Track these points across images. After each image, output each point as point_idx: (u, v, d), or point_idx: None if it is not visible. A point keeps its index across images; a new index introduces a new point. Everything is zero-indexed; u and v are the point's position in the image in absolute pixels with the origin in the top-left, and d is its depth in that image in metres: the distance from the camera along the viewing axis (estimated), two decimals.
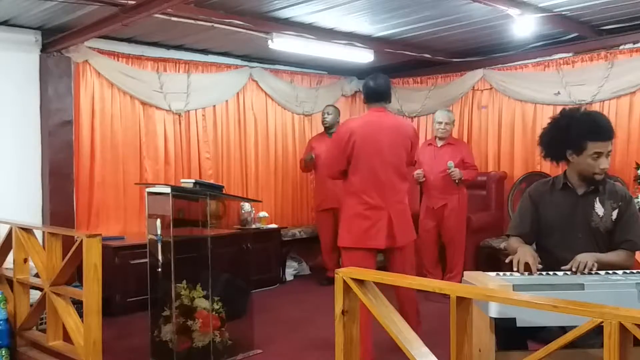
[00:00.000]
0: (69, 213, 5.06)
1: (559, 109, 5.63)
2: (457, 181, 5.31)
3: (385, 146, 3.60)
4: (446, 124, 5.46)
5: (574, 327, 1.53)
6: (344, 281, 2.04)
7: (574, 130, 2.65)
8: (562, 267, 2.49)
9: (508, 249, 2.82)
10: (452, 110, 6.10)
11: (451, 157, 5.38)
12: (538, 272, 2.43)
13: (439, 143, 5.55)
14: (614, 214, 2.68)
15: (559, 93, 5.65)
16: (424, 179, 5.50)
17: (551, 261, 2.60)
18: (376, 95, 3.74)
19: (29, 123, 4.97)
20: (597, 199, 2.70)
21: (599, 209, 2.68)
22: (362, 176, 3.59)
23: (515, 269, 2.46)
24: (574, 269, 2.43)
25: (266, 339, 4.15)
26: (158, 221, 3.72)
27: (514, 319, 1.93)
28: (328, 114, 6.21)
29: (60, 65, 5.01)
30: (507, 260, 2.52)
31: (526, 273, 2.42)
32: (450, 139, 5.55)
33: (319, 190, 6.28)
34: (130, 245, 5.01)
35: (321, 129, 6.97)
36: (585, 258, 2.45)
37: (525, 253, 2.51)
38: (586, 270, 2.41)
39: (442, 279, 5.33)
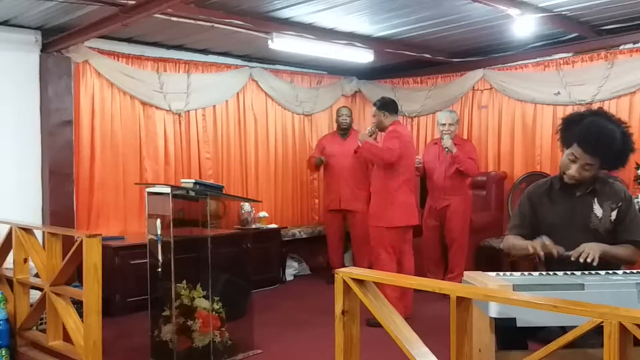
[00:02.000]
0: (69, 213, 5.06)
1: (559, 109, 5.71)
2: (446, 150, 5.26)
3: (413, 149, 4.88)
4: (450, 125, 5.38)
5: (574, 327, 1.53)
6: (344, 281, 2.04)
7: (576, 127, 2.68)
8: (566, 252, 2.51)
9: (507, 247, 2.82)
10: (455, 110, 6.09)
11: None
12: (539, 273, 2.44)
13: None
14: (613, 214, 2.66)
15: (559, 93, 5.65)
16: (420, 164, 5.48)
17: (551, 262, 2.60)
18: (396, 109, 4.87)
19: (29, 123, 4.97)
20: (596, 199, 2.68)
21: (597, 210, 2.67)
22: (408, 172, 4.72)
23: (541, 252, 2.52)
24: (576, 258, 2.46)
25: (266, 339, 4.15)
26: (158, 221, 3.72)
27: (514, 319, 1.93)
28: (347, 116, 6.25)
29: (60, 65, 5.01)
30: (530, 250, 2.57)
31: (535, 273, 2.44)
32: (456, 139, 5.49)
33: (329, 191, 6.30)
34: (130, 245, 5.01)
35: (322, 129, 7.01)
36: (591, 248, 2.47)
37: (540, 240, 2.56)
38: (589, 260, 2.43)
39: (443, 279, 5.33)
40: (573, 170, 2.62)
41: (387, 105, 4.77)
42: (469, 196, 5.53)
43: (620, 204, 2.67)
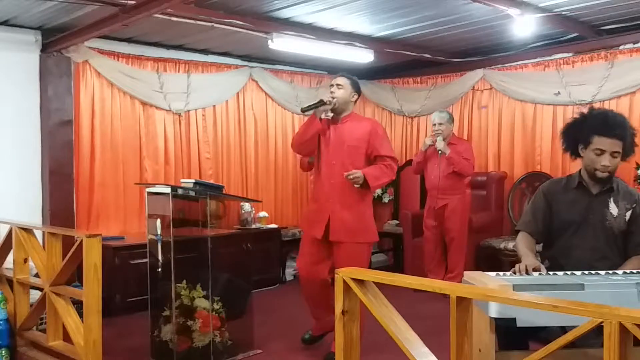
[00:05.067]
0: (69, 213, 5.06)
1: (559, 109, 5.71)
2: (439, 152, 5.31)
3: None
4: (440, 124, 5.40)
5: (574, 327, 1.53)
6: (344, 281, 2.04)
7: (586, 123, 2.69)
8: None
9: (515, 246, 2.83)
10: (450, 111, 6.08)
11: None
12: (538, 273, 2.44)
13: None
14: (628, 214, 2.68)
15: (559, 93, 5.65)
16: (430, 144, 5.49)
17: (564, 260, 2.60)
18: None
19: (29, 123, 4.96)
20: (612, 198, 2.71)
21: (613, 208, 2.69)
22: None
23: (518, 274, 2.44)
24: None
25: (266, 339, 4.15)
26: (158, 221, 3.72)
27: (514, 319, 1.93)
28: None
29: (60, 65, 5.00)
30: (511, 272, 2.51)
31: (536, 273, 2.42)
32: (452, 138, 5.50)
33: None
34: (130, 245, 5.01)
35: None
36: None
37: (530, 263, 2.50)
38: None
39: (443, 279, 5.33)
40: (605, 160, 2.62)
41: (359, 88, 3.88)
42: (467, 195, 5.53)
43: (634, 205, 2.70)
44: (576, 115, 2.84)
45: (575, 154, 2.78)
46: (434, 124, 5.44)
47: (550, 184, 2.90)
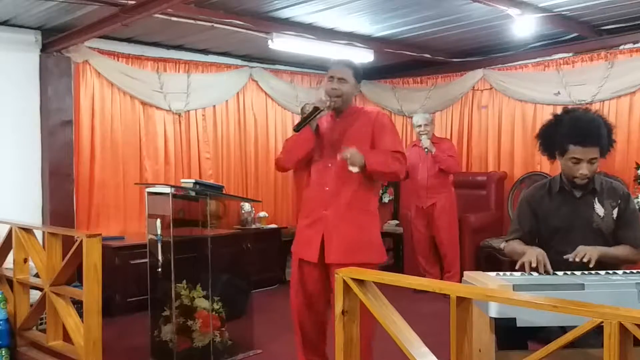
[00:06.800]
0: (69, 213, 5.06)
1: (559, 109, 5.68)
2: (426, 150, 5.38)
3: None
4: (425, 125, 5.48)
5: (574, 327, 1.53)
6: (344, 281, 2.04)
7: (560, 130, 2.63)
8: (565, 256, 2.47)
9: (509, 253, 2.78)
10: (450, 110, 6.10)
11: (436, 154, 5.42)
12: (538, 273, 2.43)
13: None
14: (614, 212, 2.65)
15: (559, 93, 5.65)
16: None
17: (554, 264, 2.59)
18: None
19: (29, 123, 4.97)
20: (596, 199, 2.67)
21: (599, 209, 2.65)
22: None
23: (528, 271, 2.42)
24: (576, 259, 2.42)
25: (266, 339, 4.15)
26: (158, 221, 3.72)
27: (514, 319, 1.93)
28: None
29: (60, 65, 5.01)
30: (517, 266, 2.48)
31: (535, 273, 2.40)
32: (433, 138, 5.56)
33: None
34: (130, 245, 5.01)
35: None
36: (588, 250, 2.44)
37: (534, 253, 2.48)
38: (585, 260, 2.40)
39: (441, 279, 5.34)
40: (583, 169, 2.57)
41: (362, 75, 3.10)
42: (454, 194, 5.57)
43: (620, 202, 2.66)
44: (551, 119, 2.76)
45: (552, 157, 2.74)
46: (419, 126, 5.51)
47: (532, 190, 2.84)
